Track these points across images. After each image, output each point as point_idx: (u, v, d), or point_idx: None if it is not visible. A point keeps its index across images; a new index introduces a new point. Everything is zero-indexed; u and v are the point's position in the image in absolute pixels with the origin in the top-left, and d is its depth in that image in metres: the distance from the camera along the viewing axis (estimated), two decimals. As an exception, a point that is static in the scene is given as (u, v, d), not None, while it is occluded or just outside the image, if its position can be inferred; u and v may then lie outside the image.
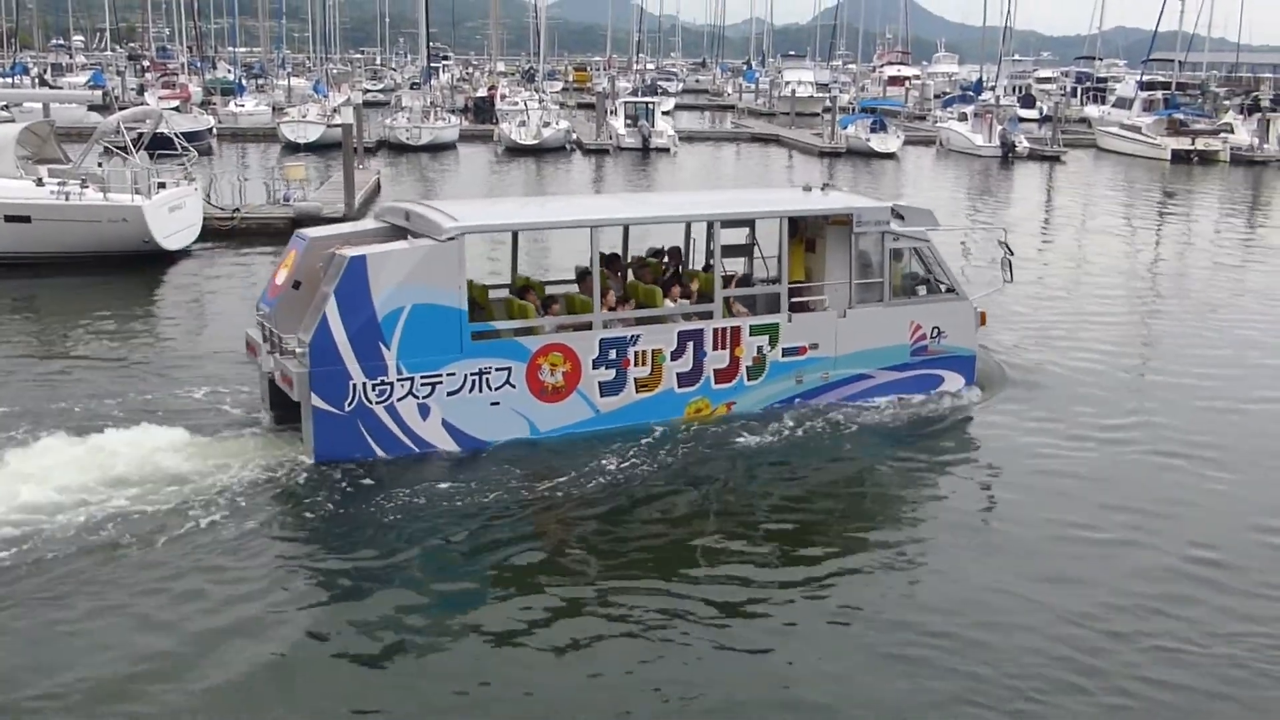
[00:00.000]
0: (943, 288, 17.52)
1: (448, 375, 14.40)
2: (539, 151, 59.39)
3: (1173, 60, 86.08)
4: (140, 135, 30.01)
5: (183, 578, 11.42)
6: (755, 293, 17.28)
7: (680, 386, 15.81)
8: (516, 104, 68.70)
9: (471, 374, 14.53)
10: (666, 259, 17.83)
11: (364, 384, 14.00)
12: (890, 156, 61.34)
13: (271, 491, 13.43)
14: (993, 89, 77.36)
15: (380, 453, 14.30)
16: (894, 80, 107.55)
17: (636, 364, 15.42)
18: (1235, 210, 46.08)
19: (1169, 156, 63.17)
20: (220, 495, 13.10)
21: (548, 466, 14.35)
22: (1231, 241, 36.99)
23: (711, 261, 16.72)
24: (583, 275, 16.22)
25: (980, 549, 12.80)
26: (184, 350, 19.93)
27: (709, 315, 15.99)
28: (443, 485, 13.73)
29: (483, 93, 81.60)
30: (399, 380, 14.17)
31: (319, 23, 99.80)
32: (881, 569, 12.25)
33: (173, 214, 28.17)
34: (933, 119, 78.88)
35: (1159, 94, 74.02)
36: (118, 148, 28.74)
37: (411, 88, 74.57)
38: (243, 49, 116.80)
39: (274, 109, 70.49)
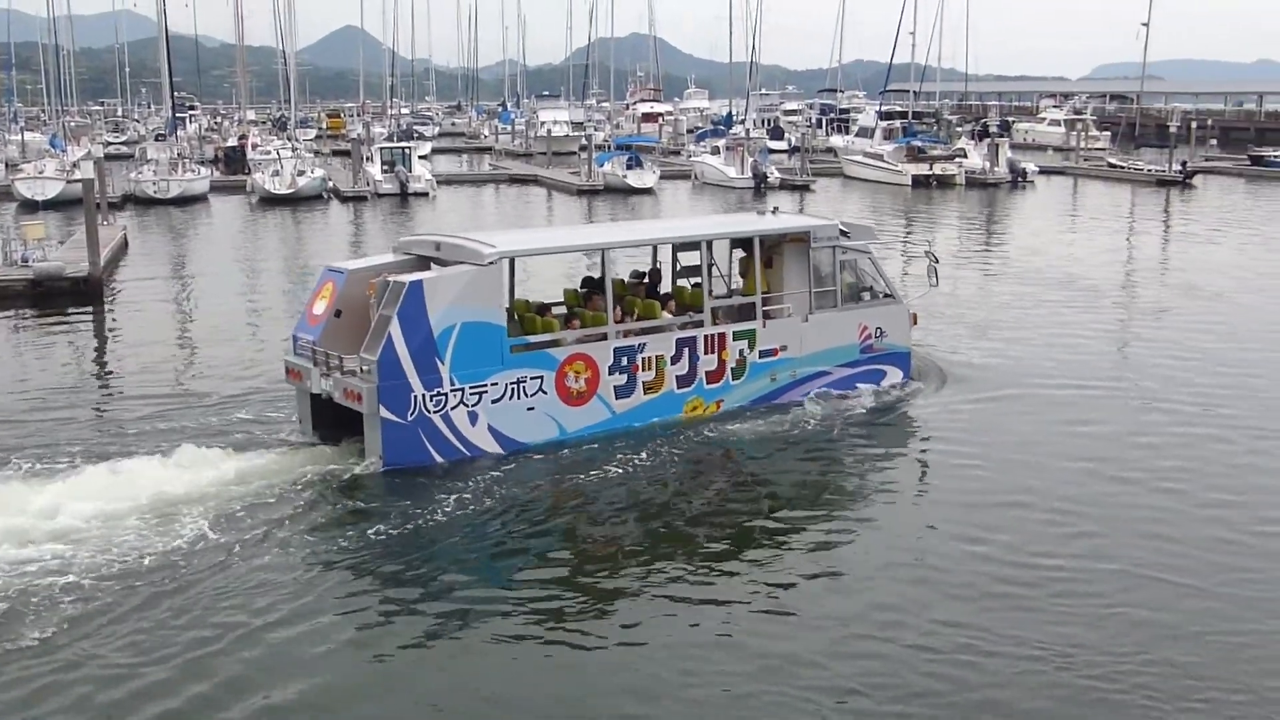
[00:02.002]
0: (882, 293, 20.16)
1: (492, 385, 16.31)
2: (295, 201, 58.13)
3: (908, 90, 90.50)
4: None
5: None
6: (736, 303, 19.32)
7: (679, 388, 18.08)
8: (269, 153, 66.93)
9: (511, 383, 16.48)
10: (647, 278, 20.08)
11: (423, 395, 15.79)
12: (648, 192, 62.45)
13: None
14: (742, 122, 79.92)
15: (437, 458, 16.03)
16: (647, 117, 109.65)
17: (644, 369, 17.66)
18: (974, 226, 48.70)
19: (910, 182, 66.38)
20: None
21: (568, 471, 16.14)
22: (978, 253, 39.09)
23: (682, 280, 20.16)
24: (584, 296, 18.72)
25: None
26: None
27: (700, 324, 18.25)
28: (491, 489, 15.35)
29: (233, 142, 79.20)
30: (452, 390, 15.99)
31: (53, 74, 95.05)
32: (814, 562, 13.66)
33: (-102, 281, 26.52)
34: (687, 153, 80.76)
35: (897, 123, 77.35)
36: None
37: (157, 139, 72.22)
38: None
39: (7, 165, 66.96)
